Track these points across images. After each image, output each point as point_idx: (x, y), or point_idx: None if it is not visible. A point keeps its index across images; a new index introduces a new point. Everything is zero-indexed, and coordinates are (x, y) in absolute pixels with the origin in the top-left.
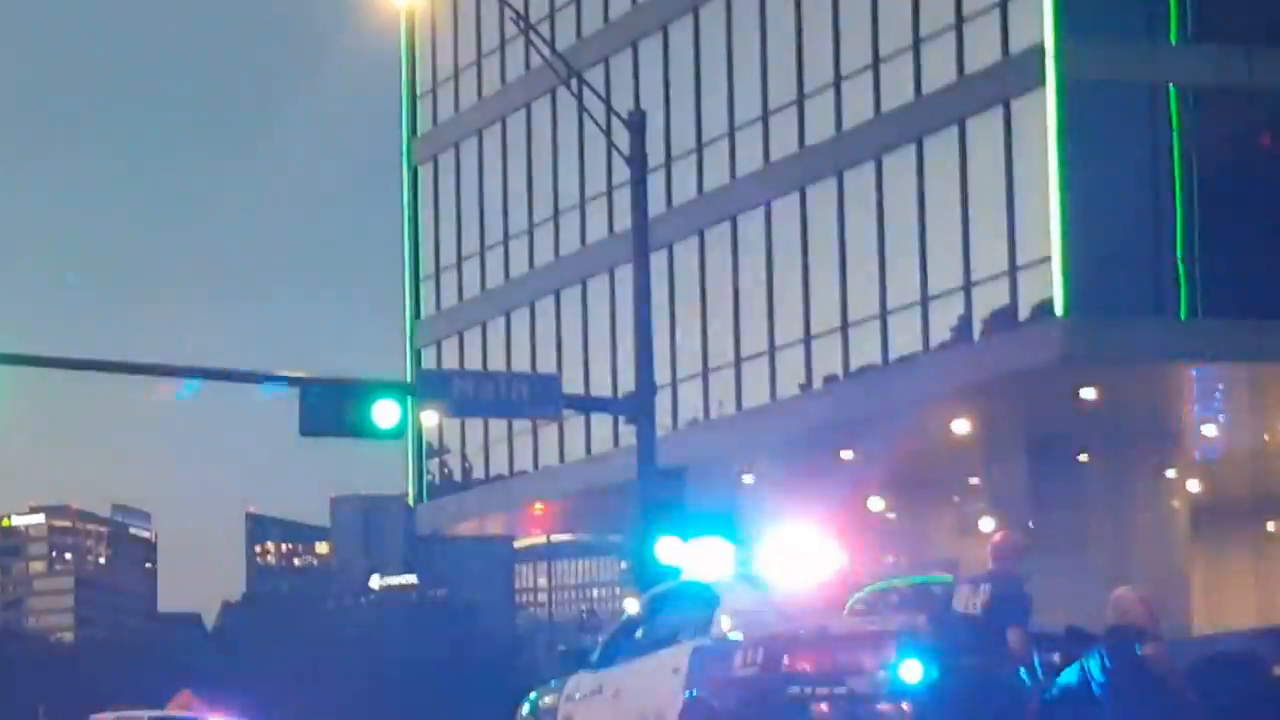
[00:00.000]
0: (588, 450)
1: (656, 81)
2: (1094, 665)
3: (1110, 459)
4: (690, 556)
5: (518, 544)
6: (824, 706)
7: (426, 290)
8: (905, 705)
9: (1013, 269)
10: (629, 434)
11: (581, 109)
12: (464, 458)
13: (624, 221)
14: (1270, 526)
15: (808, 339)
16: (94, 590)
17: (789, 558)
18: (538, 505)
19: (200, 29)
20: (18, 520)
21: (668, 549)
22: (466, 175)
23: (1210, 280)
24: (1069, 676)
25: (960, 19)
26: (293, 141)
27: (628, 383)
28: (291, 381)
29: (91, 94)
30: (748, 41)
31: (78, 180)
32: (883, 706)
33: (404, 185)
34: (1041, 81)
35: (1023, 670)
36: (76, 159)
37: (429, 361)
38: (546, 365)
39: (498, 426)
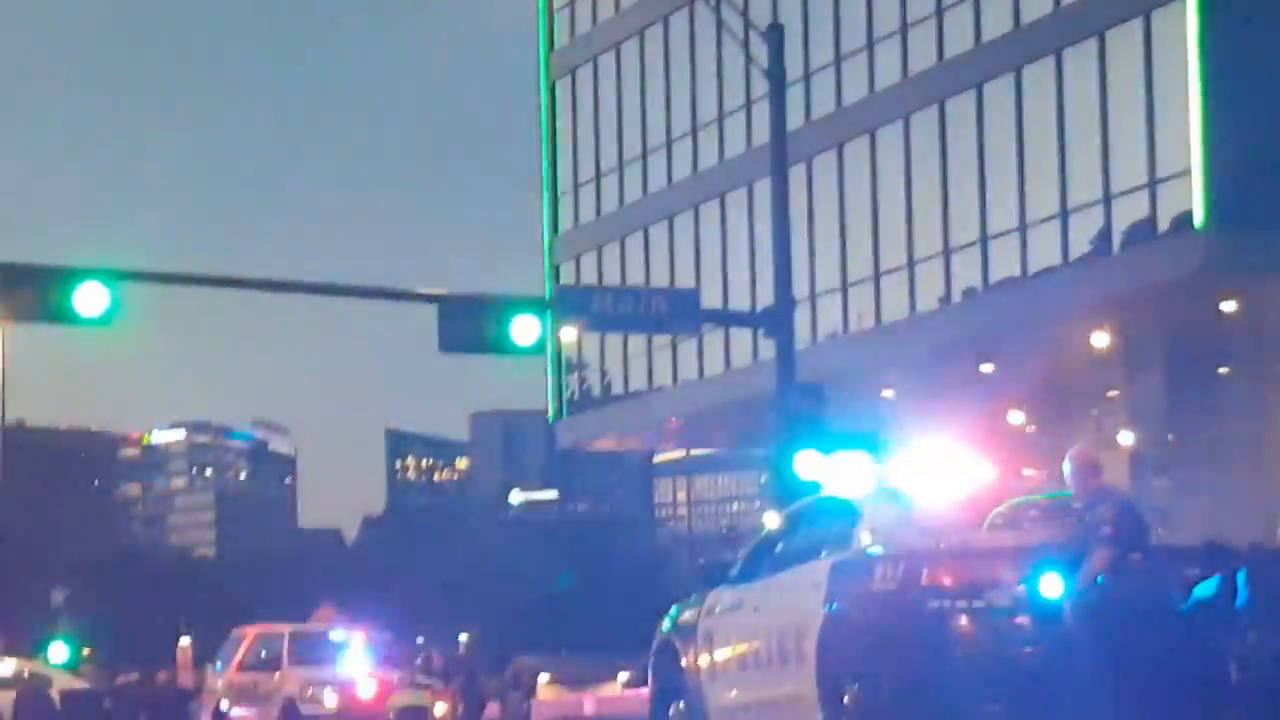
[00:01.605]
0: (727, 364)
1: None
2: (1242, 578)
3: (1251, 372)
4: (831, 471)
5: (657, 459)
6: (964, 620)
7: (565, 206)
8: (1042, 619)
9: (1152, 181)
10: (768, 348)
11: (719, 23)
12: (603, 373)
13: (762, 136)
14: None
15: (947, 252)
16: (234, 506)
17: (930, 472)
18: (675, 419)
19: None
20: (158, 437)
21: (808, 463)
22: (604, 89)
23: None
24: (1206, 589)
25: None
26: (430, 56)
27: (766, 297)
28: (431, 298)
29: (225, 7)
30: None
31: (217, 96)
32: (1022, 620)
33: (542, 100)
34: None
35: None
36: (211, 74)
37: (567, 277)
38: (685, 280)
39: (637, 341)
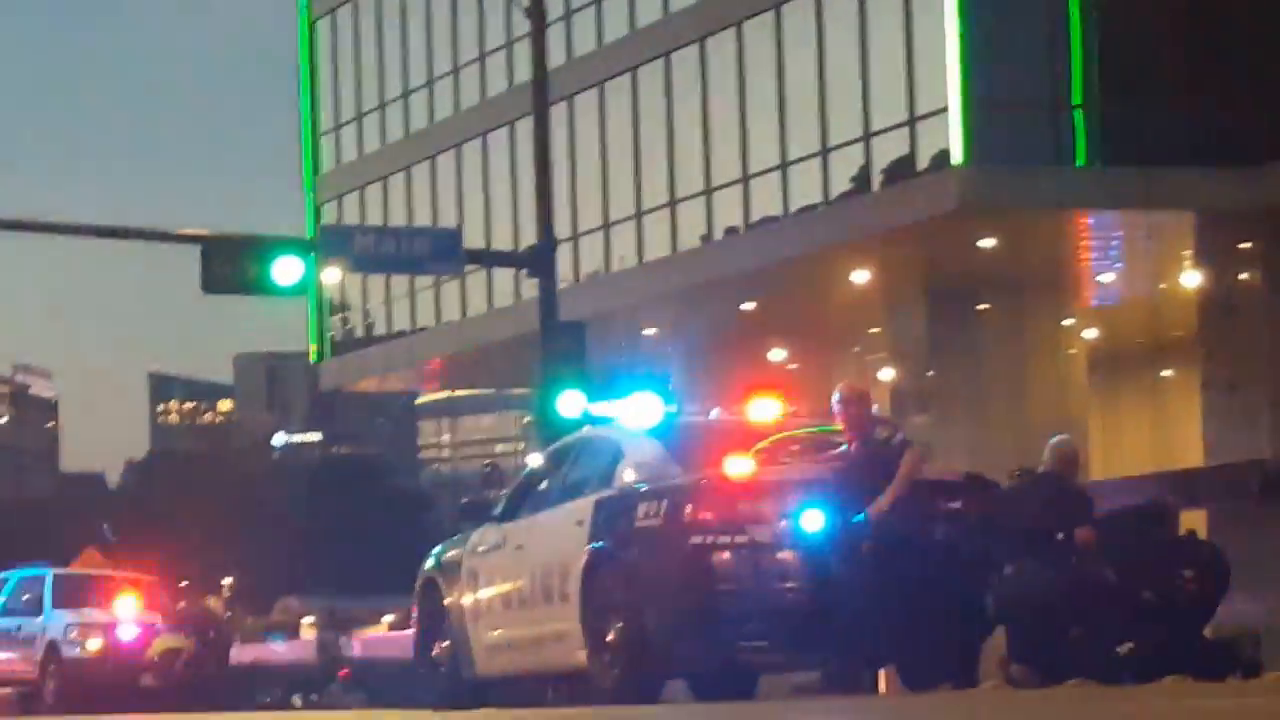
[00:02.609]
0: (490, 304)
1: None
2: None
3: (1009, 307)
4: (593, 408)
5: (420, 400)
6: (726, 555)
7: (326, 145)
8: (805, 553)
9: (911, 119)
10: (531, 288)
11: None
12: (366, 313)
13: (523, 74)
14: (1165, 372)
15: (708, 191)
16: None
17: (689, 407)
18: (439, 359)
19: None
20: None
21: (570, 403)
22: (365, 28)
23: (1107, 128)
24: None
25: None
26: None
27: (529, 236)
28: (193, 239)
29: None
30: None
31: None
32: (783, 555)
33: (301, 38)
34: None
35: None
36: None
37: (329, 218)
38: (448, 220)
39: (400, 282)
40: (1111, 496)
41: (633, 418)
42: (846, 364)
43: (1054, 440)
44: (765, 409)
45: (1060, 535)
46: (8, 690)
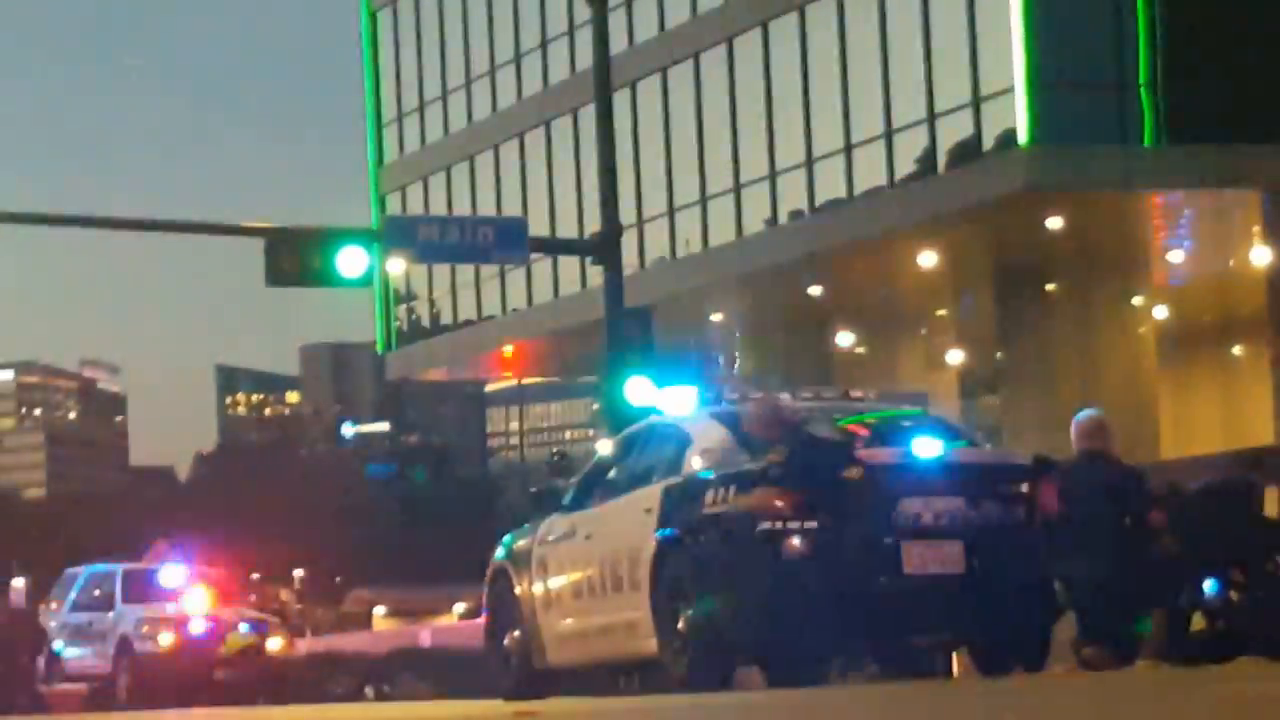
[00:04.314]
0: (555, 292)
1: None
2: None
3: (1077, 288)
4: (661, 395)
5: (488, 388)
6: (795, 541)
7: (389, 136)
8: (875, 538)
9: (976, 99)
10: (596, 275)
11: None
12: (432, 303)
13: (585, 61)
14: (1235, 350)
15: (772, 175)
16: (65, 446)
17: (756, 394)
18: (507, 348)
19: None
20: None
21: (638, 389)
22: (426, 18)
23: (1173, 107)
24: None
25: None
26: None
27: (594, 223)
28: (257, 232)
29: None
30: None
31: (43, 33)
32: (851, 540)
33: (364, 31)
34: None
35: None
36: (40, 12)
37: (394, 208)
38: (512, 208)
39: (465, 271)
40: (1190, 473)
41: (700, 405)
42: (914, 347)
43: (1078, 417)
44: (831, 395)
45: (1125, 518)
46: (81, 686)
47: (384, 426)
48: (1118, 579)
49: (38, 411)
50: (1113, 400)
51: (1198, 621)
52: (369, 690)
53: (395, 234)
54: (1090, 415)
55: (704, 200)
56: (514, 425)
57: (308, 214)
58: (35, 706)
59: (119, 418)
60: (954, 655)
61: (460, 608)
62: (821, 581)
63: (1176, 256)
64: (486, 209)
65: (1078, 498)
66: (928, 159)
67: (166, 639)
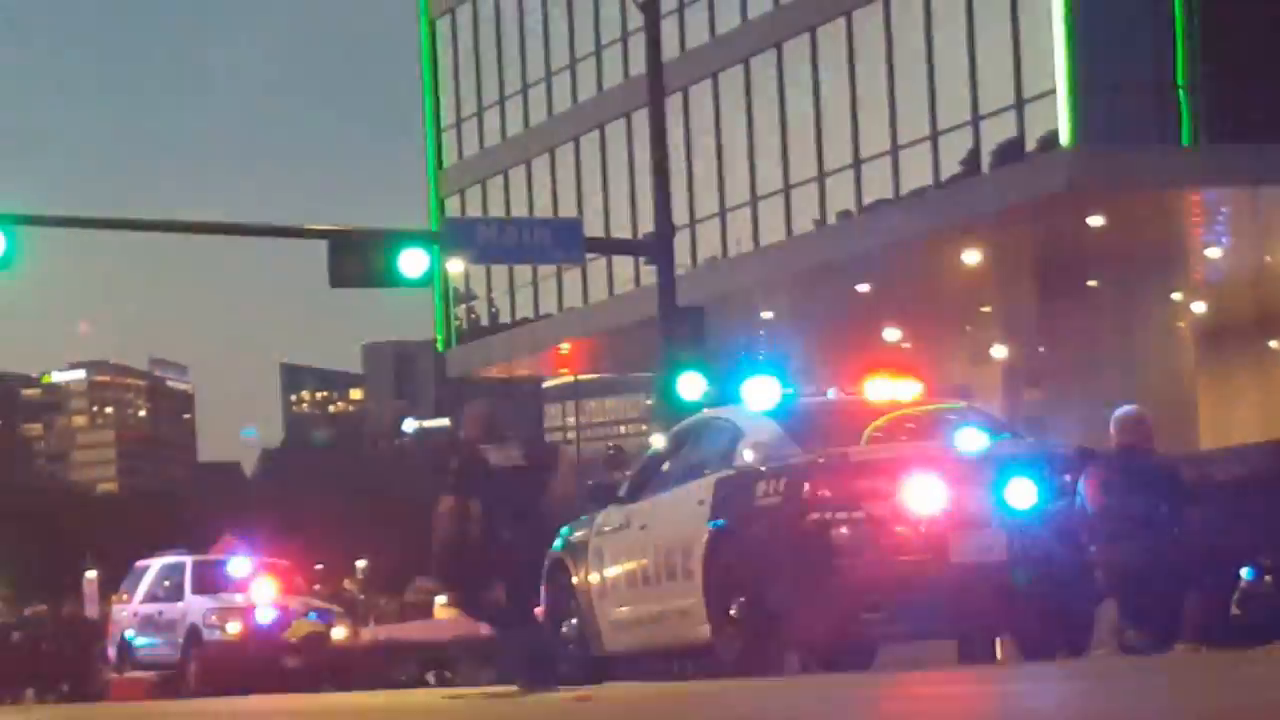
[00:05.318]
0: (610, 291)
1: None
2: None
3: (1118, 284)
4: (712, 390)
5: (546, 385)
6: (844, 531)
7: (448, 140)
8: (922, 528)
9: (1019, 102)
10: (650, 274)
11: None
12: (490, 303)
13: (638, 67)
14: (1273, 344)
15: (821, 176)
16: (135, 443)
17: (807, 388)
18: (563, 345)
19: None
20: (58, 376)
21: (690, 385)
22: (484, 26)
23: (1211, 107)
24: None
25: None
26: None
27: (647, 224)
28: (321, 234)
29: None
30: None
31: (111, 34)
32: (900, 530)
33: (422, 38)
34: None
35: None
36: (105, 13)
37: (453, 211)
38: (568, 210)
39: (522, 271)
40: (1226, 464)
41: (751, 399)
42: (959, 343)
43: (1118, 413)
44: (880, 389)
45: (1164, 507)
46: (152, 674)
47: (444, 422)
48: (1157, 565)
49: (109, 410)
50: (1152, 394)
51: (1234, 607)
52: (431, 677)
53: (455, 236)
54: (1130, 411)
55: (754, 201)
56: (570, 420)
57: (368, 217)
58: (103, 694)
59: (187, 415)
60: (997, 640)
61: None
62: (869, 571)
63: (1215, 253)
64: (543, 211)
65: (1118, 488)
66: (972, 160)
67: (234, 628)
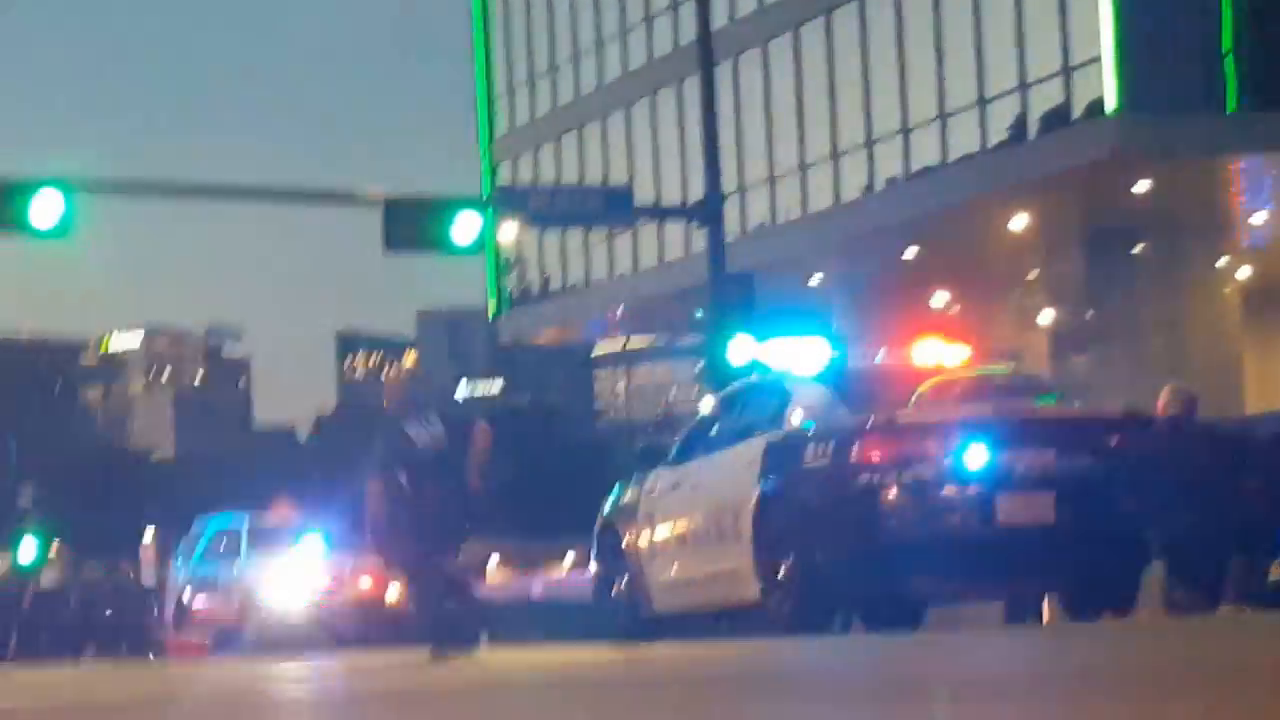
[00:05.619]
0: (661, 257)
1: None
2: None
3: (1164, 250)
4: (762, 354)
5: (596, 351)
6: (891, 493)
7: (501, 108)
8: (970, 490)
9: (1066, 68)
10: (700, 240)
11: None
12: (542, 269)
13: (689, 35)
14: None
15: (869, 142)
16: (191, 408)
17: (856, 351)
18: (614, 311)
19: None
20: (116, 342)
21: (740, 349)
22: None
23: (1257, 74)
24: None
25: None
26: None
27: (697, 190)
28: (375, 201)
29: None
30: None
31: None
32: (948, 492)
33: (475, 6)
34: None
35: None
36: None
37: (505, 178)
38: (618, 177)
39: (574, 237)
40: (1270, 429)
41: (800, 363)
42: (1007, 307)
43: (1172, 385)
44: (928, 353)
45: (1210, 472)
46: (208, 634)
47: (497, 386)
48: (1202, 529)
49: (166, 375)
50: (1197, 358)
51: (1276, 569)
52: (484, 635)
53: (507, 202)
54: (1176, 387)
55: (803, 167)
56: (620, 386)
57: (421, 184)
58: (161, 653)
59: (242, 380)
60: (1045, 601)
61: (570, 559)
62: (917, 532)
63: (1259, 219)
64: (594, 178)
65: (1165, 453)
66: (1019, 126)
67: (288, 589)
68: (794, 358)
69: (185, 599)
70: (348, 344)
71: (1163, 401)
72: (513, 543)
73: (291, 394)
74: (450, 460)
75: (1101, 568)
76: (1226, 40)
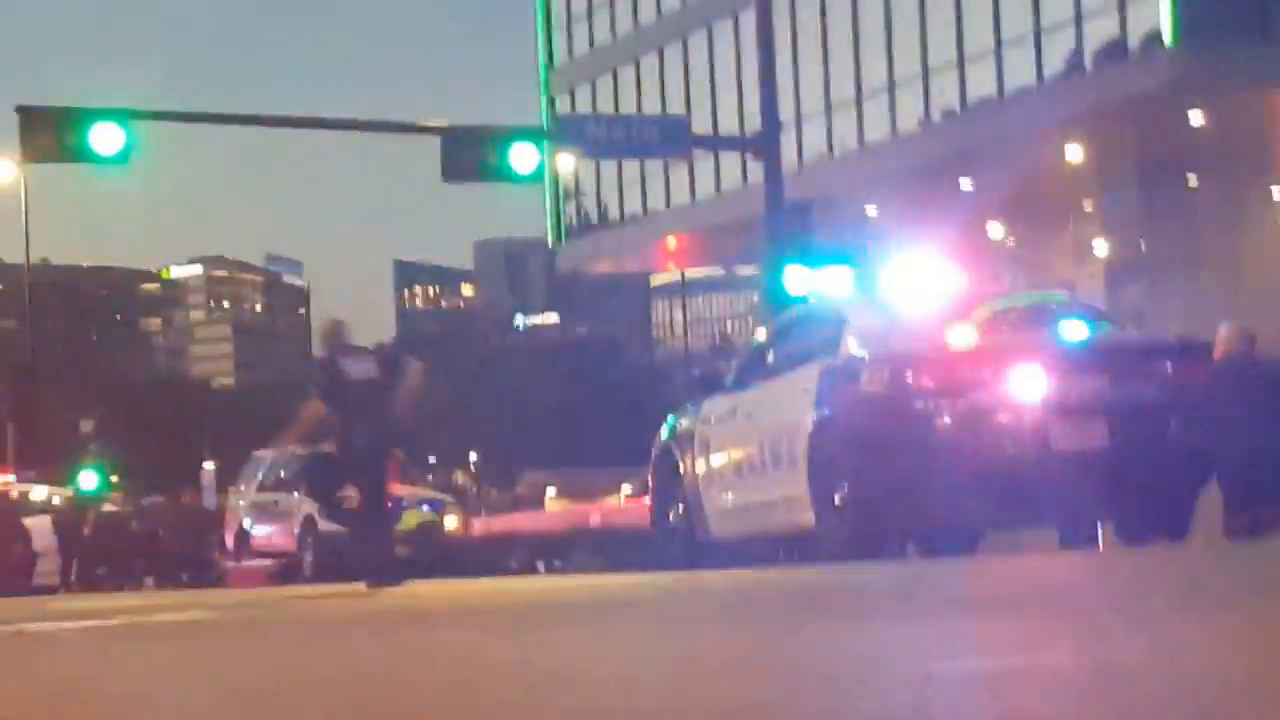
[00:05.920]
0: (717, 188)
1: None
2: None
3: (1218, 181)
4: (818, 283)
5: (654, 281)
6: (947, 419)
7: (559, 39)
8: (1025, 416)
9: (1122, 1)
10: (756, 171)
11: None
12: (599, 199)
13: None
14: None
15: (925, 74)
16: (251, 337)
17: (912, 280)
18: (671, 240)
19: None
20: (176, 272)
21: (796, 278)
22: None
23: None
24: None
25: None
26: None
27: (754, 122)
28: (434, 130)
29: None
30: None
31: None
32: (1001, 418)
33: None
34: None
35: None
36: None
37: (563, 108)
38: (676, 107)
39: (631, 168)
40: None
41: (856, 290)
42: (1061, 238)
43: (1231, 323)
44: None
45: (1266, 404)
46: (268, 562)
47: (554, 318)
48: (1259, 458)
49: (226, 304)
50: (1252, 289)
51: None
52: (541, 565)
53: (565, 132)
54: (1233, 325)
55: (859, 99)
56: (678, 316)
57: (480, 115)
58: (221, 582)
59: (301, 310)
60: (1099, 527)
61: (627, 488)
62: (973, 459)
63: None
64: (651, 109)
65: (1222, 383)
66: (1075, 59)
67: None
68: (850, 285)
69: (246, 526)
70: (406, 273)
71: (1222, 338)
72: (571, 473)
73: (350, 323)
74: (383, 395)
75: (1156, 495)
76: None
